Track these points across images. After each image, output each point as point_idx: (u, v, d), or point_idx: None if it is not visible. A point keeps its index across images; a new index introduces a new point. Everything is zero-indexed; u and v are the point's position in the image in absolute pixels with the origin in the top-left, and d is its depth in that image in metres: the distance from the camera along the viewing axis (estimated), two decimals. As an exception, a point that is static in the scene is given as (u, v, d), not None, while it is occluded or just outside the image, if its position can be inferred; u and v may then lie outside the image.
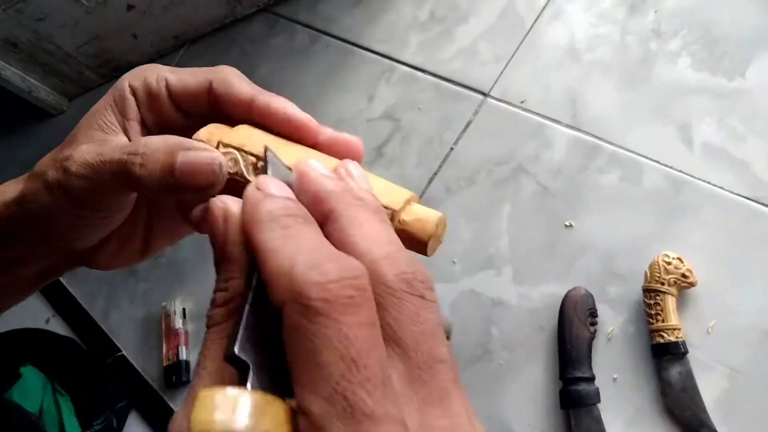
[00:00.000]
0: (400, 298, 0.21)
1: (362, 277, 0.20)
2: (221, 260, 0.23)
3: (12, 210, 0.34)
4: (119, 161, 0.29)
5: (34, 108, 1.41)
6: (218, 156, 0.28)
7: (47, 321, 1.12)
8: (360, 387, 0.18)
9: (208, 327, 0.22)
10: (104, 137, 0.32)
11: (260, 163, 0.29)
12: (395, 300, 0.21)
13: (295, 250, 0.20)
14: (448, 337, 0.24)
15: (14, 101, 1.38)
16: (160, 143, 0.29)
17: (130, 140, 0.33)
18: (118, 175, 0.29)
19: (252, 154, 0.29)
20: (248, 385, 0.19)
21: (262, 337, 0.20)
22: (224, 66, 0.33)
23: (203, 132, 0.30)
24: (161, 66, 0.34)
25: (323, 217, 0.23)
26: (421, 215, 0.30)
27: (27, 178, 0.34)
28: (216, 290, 0.23)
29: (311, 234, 0.22)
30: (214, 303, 0.22)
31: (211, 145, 0.29)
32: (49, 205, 0.32)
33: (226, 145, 0.29)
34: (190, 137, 0.30)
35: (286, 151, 0.29)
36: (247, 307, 0.21)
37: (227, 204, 0.24)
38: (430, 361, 0.20)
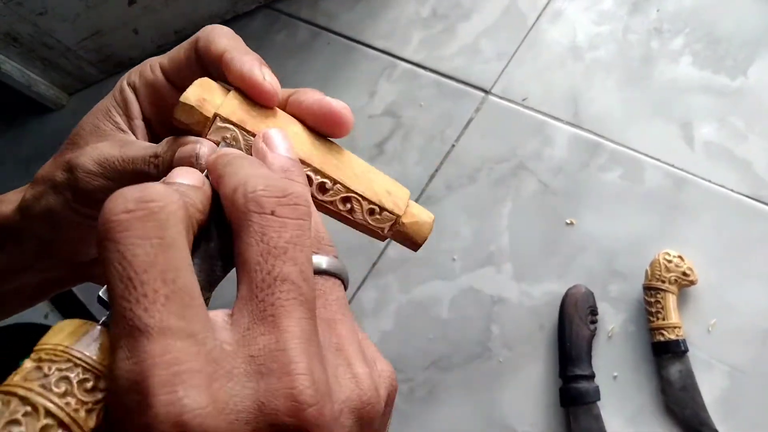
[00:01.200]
0: (247, 219, 0.21)
1: (152, 197, 0.20)
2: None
3: (14, 218, 0.33)
4: (144, 162, 0.29)
5: (33, 102, 1.40)
6: (198, 147, 0.28)
7: (46, 316, 1.12)
8: (136, 304, 0.18)
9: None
10: (121, 136, 0.32)
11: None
12: (243, 222, 0.21)
13: (110, 198, 0.21)
14: (341, 278, 0.24)
15: (14, 96, 1.37)
16: (170, 142, 0.29)
17: (137, 138, 0.33)
18: (141, 177, 0.29)
19: (251, 134, 0.28)
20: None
21: None
22: (213, 25, 0.32)
23: (191, 95, 0.28)
24: (156, 56, 0.33)
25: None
26: (417, 218, 0.31)
27: (29, 186, 0.34)
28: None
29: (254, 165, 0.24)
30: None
31: (205, 114, 0.28)
32: (55, 209, 0.32)
33: (224, 120, 0.28)
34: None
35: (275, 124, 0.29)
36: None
37: (200, 143, 0.27)
38: (268, 280, 0.20)
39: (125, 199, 0.20)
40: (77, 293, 1.13)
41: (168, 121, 0.32)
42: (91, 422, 0.19)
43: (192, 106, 0.28)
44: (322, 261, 0.24)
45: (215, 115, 0.28)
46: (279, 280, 0.20)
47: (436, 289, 0.90)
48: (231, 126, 0.28)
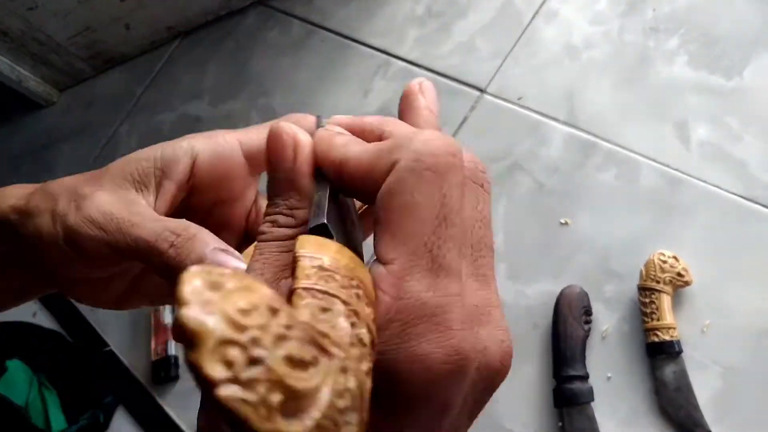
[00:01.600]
0: (467, 186, 0.22)
1: (459, 146, 0.22)
2: (288, 189, 0.24)
3: (12, 218, 0.32)
4: (156, 235, 0.28)
5: (23, 99, 1.38)
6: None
7: (34, 315, 1.11)
8: (445, 243, 0.20)
9: (263, 240, 0.23)
10: (132, 198, 0.30)
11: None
12: (464, 187, 0.22)
13: (378, 146, 0.23)
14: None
15: (3, 92, 1.36)
16: (192, 234, 0.28)
17: (155, 199, 0.30)
18: (148, 249, 0.28)
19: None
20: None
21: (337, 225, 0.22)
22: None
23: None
24: (232, 132, 0.32)
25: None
26: None
27: (38, 191, 0.32)
28: (276, 213, 0.24)
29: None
30: (276, 223, 0.23)
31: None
32: (42, 238, 0.30)
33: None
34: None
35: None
36: (326, 203, 0.22)
37: (297, 132, 0.24)
38: (480, 244, 0.22)
39: (447, 141, 0.21)
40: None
41: (210, 203, 0.32)
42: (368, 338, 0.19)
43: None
44: None
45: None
46: (487, 247, 0.23)
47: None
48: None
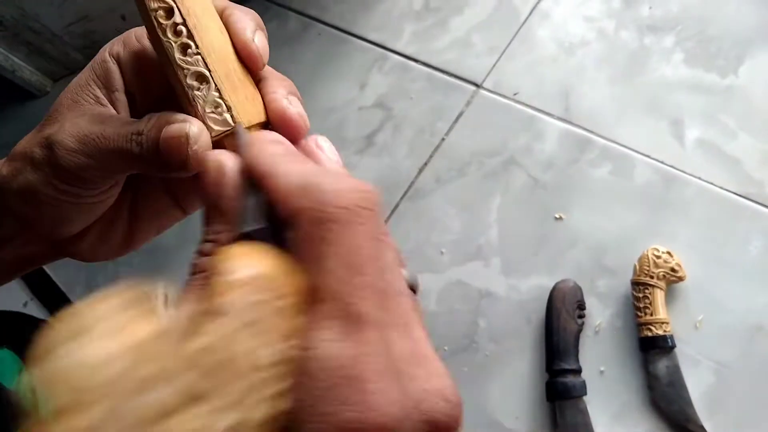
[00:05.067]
0: (377, 234, 0.22)
1: (374, 194, 0.21)
2: (214, 214, 0.23)
3: None
4: (125, 140, 0.28)
5: (17, 88, 1.38)
6: (187, 126, 0.26)
7: (25, 304, 1.10)
8: (358, 291, 0.19)
9: (193, 273, 0.22)
10: (100, 110, 0.30)
11: (179, 26, 0.27)
12: (349, 222, 0.21)
13: (305, 170, 0.22)
14: (415, 290, 0.24)
15: (-3, 81, 1.35)
16: (154, 119, 0.28)
17: (118, 113, 0.31)
18: (122, 155, 0.28)
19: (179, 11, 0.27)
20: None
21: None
22: None
23: None
24: (141, 26, 0.32)
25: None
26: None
27: (6, 161, 0.32)
28: (205, 240, 0.23)
29: (311, 163, 0.24)
30: (201, 252, 0.23)
31: None
32: (34, 186, 0.30)
33: None
34: None
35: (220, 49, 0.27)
36: (250, 212, 0.22)
37: (221, 157, 0.24)
38: (392, 292, 0.21)
39: (361, 188, 0.21)
40: (56, 280, 1.11)
41: (154, 93, 0.31)
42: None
43: None
44: (404, 274, 0.24)
45: None
46: (400, 294, 0.21)
47: (425, 281, 0.90)
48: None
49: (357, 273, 0.20)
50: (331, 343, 0.19)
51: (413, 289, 0.24)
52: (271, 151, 0.24)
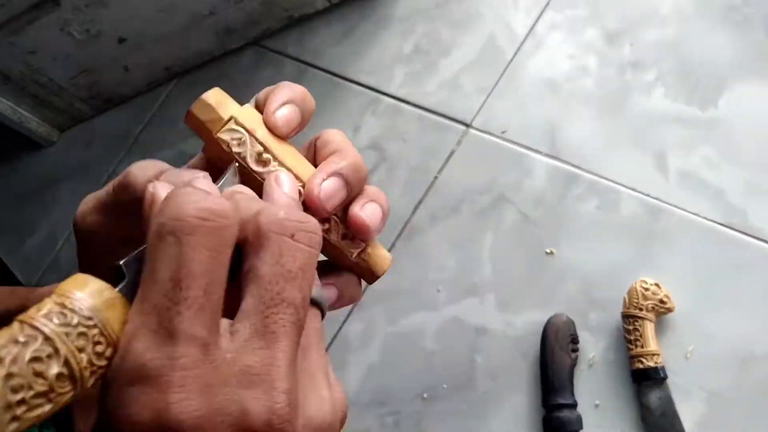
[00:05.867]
0: (267, 239, 0.23)
1: (223, 211, 0.22)
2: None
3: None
4: (120, 175, 0.31)
5: (24, 139, 1.42)
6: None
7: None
8: (174, 306, 0.20)
9: None
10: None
11: (265, 155, 0.30)
12: (263, 241, 0.23)
13: (177, 195, 0.22)
14: (322, 308, 0.25)
15: (5, 133, 1.40)
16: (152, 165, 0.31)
17: None
18: (116, 188, 0.31)
19: (259, 141, 0.30)
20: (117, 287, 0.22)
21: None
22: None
23: (211, 95, 0.31)
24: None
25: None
26: (382, 251, 0.32)
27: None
28: None
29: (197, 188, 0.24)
30: None
31: (221, 114, 0.30)
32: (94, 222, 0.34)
33: (238, 123, 0.30)
34: None
35: (282, 151, 0.31)
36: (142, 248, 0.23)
37: (157, 189, 0.25)
38: (277, 300, 0.22)
39: (200, 204, 0.22)
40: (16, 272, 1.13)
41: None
42: (90, 384, 0.21)
43: (211, 105, 0.30)
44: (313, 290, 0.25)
45: (231, 117, 0.30)
46: (285, 303, 0.22)
47: (422, 320, 0.92)
48: (242, 130, 0.30)
49: (179, 287, 0.21)
50: (140, 355, 0.20)
51: (318, 305, 0.25)
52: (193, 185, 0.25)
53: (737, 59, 0.89)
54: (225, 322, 0.22)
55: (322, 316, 0.26)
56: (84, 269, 0.34)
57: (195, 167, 0.32)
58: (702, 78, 0.90)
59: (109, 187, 0.31)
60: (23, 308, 0.36)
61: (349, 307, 0.96)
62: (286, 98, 0.32)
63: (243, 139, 0.30)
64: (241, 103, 0.32)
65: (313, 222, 0.24)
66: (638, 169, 0.88)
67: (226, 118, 0.30)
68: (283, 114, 0.31)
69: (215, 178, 0.29)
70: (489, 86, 1.02)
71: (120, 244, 0.34)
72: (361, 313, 0.96)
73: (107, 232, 0.33)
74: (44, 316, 0.20)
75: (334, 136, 0.33)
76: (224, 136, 0.30)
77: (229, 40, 1.26)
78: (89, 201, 0.33)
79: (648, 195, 0.86)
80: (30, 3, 1.15)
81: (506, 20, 1.05)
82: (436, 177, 0.99)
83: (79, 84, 1.34)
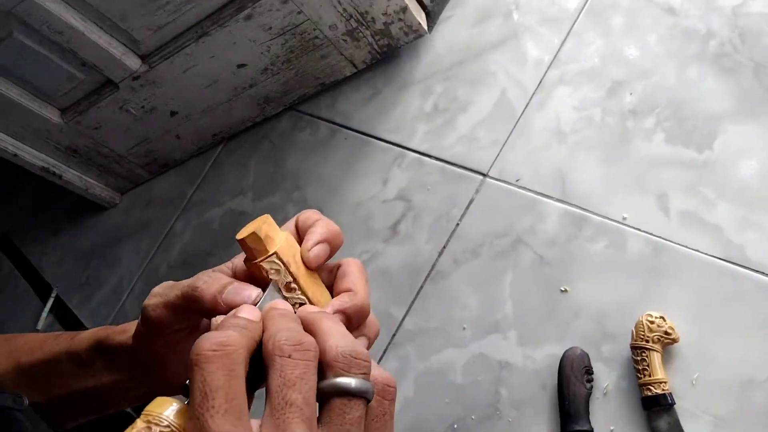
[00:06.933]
0: (272, 360, 0.31)
1: (229, 342, 0.30)
2: None
3: (130, 347, 0.46)
4: (189, 286, 0.41)
5: (90, 203, 1.58)
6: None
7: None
8: (206, 411, 0.28)
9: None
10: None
11: (293, 285, 0.39)
12: (271, 362, 0.31)
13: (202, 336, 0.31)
14: (368, 399, 0.32)
15: (73, 198, 1.56)
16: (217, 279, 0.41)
17: None
18: (188, 298, 0.40)
19: (291, 274, 0.39)
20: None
21: None
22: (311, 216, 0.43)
23: (263, 230, 0.38)
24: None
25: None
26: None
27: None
28: None
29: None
30: None
31: (268, 248, 0.38)
32: (134, 329, 0.44)
33: (279, 258, 0.38)
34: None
35: (307, 281, 0.40)
36: None
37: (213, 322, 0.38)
38: (282, 403, 0.29)
39: (212, 340, 0.30)
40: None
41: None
42: None
43: (261, 239, 0.39)
44: (351, 381, 0.31)
45: (275, 252, 0.39)
46: (288, 404, 0.29)
47: (450, 356, 1.00)
48: (280, 264, 0.39)
49: (206, 398, 0.28)
50: None
51: (362, 396, 0.32)
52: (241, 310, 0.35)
53: (729, 103, 0.96)
54: (255, 424, 0.30)
55: (368, 401, 0.32)
56: (143, 342, 0.44)
57: (237, 268, 0.43)
58: (698, 122, 0.97)
59: (179, 292, 0.41)
60: (69, 351, 0.47)
61: (384, 345, 1.05)
62: (320, 238, 0.40)
63: (279, 270, 0.39)
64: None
65: (308, 340, 0.32)
66: (642, 210, 0.95)
67: (270, 252, 0.39)
68: (316, 253, 0.40)
69: (251, 274, 0.40)
70: (503, 138, 1.11)
71: (187, 333, 0.45)
72: (395, 351, 1.05)
73: (175, 323, 0.43)
74: (137, 430, 0.30)
75: (352, 271, 0.41)
76: (266, 265, 0.38)
77: (268, 107, 1.39)
78: (158, 296, 0.42)
79: (652, 234, 0.93)
80: (92, 88, 1.31)
81: (516, 77, 1.15)
82: (457, 224, 1.09)
83: (137, 153, 1.49)
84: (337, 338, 0.32)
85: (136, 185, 1.59)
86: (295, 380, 0.30)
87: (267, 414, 0.30)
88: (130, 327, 0.46)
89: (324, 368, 0.32)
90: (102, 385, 0.47)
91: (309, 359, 0.31)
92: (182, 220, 1.45)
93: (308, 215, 0.43)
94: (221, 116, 1.41)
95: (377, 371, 0.33)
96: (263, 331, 0.33)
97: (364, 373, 0.32)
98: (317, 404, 0.31)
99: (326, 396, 0.31)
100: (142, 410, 0.32)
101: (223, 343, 0.30)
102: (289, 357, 0.30)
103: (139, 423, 0.31)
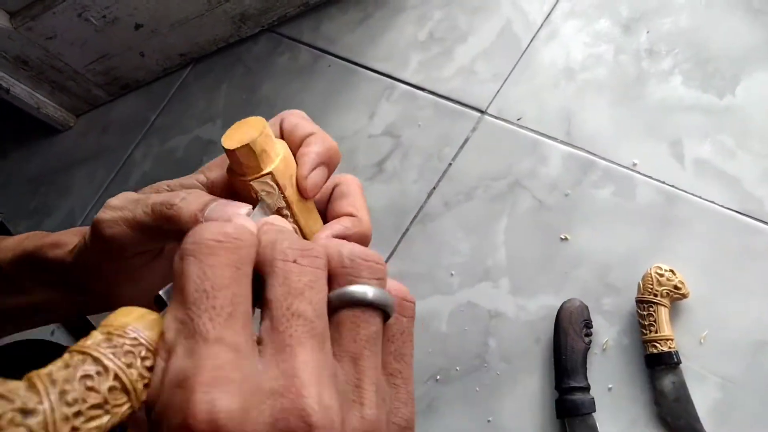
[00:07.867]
0: (273, 266, 0.25)
1: (238, 234, 0.24)
2: None
3: (68, 261, 0.36)
4: (162, 203, 0.32)
5: (41, 124, 1.44)
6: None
7: (52, 333, 1.14)
8: (204, 313, 0.22)
9: None
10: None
11: (284, 211, 0.32)
12: (272, 268, 0.25)
13: (199, 227, 0.25)
14: (387, 313, 0.26)
15: (22, 117, 1.41)
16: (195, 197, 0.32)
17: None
18: (158, 218, 0.32)
19: (285, 199, 0.32)
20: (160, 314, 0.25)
21: None
22: (292, 111, 0.36)
23: (258, 144, 0.31)
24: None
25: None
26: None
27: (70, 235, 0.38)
28: None
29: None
30: None
31: (262, 166, 0.31)
32: (78, 245, 0.35)
33: (274, 180, 0.32)
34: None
35: (300, 208, 0.33)
36: None
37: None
38: (287, 315, 0.23)
39: (216, 229, 0.24)
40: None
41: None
42: (144, 396, 0.23)
43: (256, 154, 0.31)
44: (367, 290, 0.26)
45: (270, 173, 0.31)
46: (295, 316, 0.24)
47: (436, 303, 0.92)
48: (274, 186, 0.32)
49: (206, 296, 0.22)
50: (176, 359, 0.22)
51: (383, 309, 0.26)
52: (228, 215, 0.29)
53: (755, 47, 0.89)
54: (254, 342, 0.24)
55: (388, 316, 0.26)
56: (88, 261, 0.35)
57: (214, 182, 0.35)
58: (720, 66, 0.90)
59: (148, 208, 0.32)
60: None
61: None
62: (318, 160, 0.33)
63: (272, 193, 0.32)
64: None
65: (316, 248, 0.26)
66: (654, 157, 0.88)
67: (265, 170, 0.31)
68: (315, 181, 0.33)
69: (234, 190, 0.32)
70: (504, 73, 1.02)
71: (150, 257, 0.36)
72: (375, 298, 0.96)
73: (138, 245, 0.34)
74: (91, 343, 0.23)
75: (353, 192, 0.35)
76: (256, 185, 0.31)
77: (244, 26, 1.26)
78: (117, 210, 0.33)
79: (664, 182, 0.86)
80: (48, -12, 1.16)
81: (522, 8, 1.05)
82: (450, 163, 1.00)
83: (95, 70, 1.35)
84: (342, 245, 0.27)
85: (93, 107, 1.44)
86: (303, 288, 0.24)
87: (266, 329, 0.24)
88: (67, 239, 0.37)
89: (329, 279, 0.26)
90: (30, 303, 0.39)
91: (318, 267, 0.25)
92: (143, 147, 1.32)
93: (296, 122, 0.35)
94: (191, 33, 1.28)
95: (390, 282, 0.27)
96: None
97: (380, 278, 0.26)
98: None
99: (333, 309, 0.25)
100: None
101: (231, 235, 0.24)
102: (294, 262, 0.25)
103: (97, 335, 0.23)
